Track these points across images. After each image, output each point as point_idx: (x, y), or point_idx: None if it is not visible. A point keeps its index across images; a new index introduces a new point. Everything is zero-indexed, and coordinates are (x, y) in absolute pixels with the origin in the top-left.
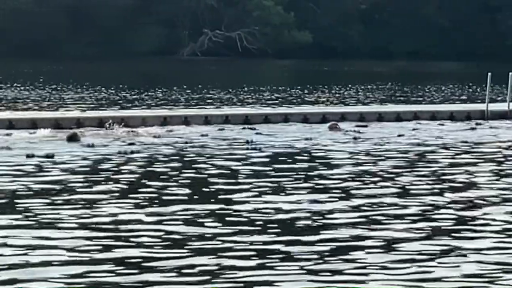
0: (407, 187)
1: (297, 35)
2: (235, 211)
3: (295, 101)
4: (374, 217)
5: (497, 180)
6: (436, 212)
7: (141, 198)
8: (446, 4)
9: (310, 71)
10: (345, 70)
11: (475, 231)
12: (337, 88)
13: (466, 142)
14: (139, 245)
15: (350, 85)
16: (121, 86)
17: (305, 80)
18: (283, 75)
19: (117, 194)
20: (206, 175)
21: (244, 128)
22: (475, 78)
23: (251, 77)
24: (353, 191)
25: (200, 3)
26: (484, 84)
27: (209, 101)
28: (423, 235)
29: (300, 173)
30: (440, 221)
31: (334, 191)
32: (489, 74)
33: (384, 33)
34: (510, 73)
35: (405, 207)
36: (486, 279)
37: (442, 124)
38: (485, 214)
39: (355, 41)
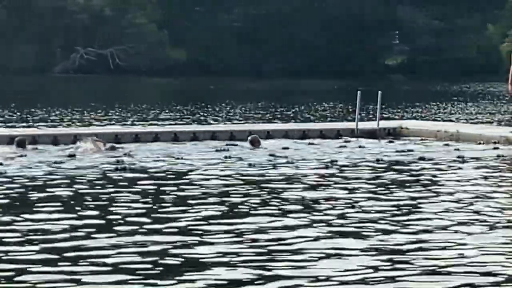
0: (281, 206)
1: (171, 53)
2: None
3: (166, 119)
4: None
5: (376, 198)
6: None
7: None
8: (320, 23)
9: (184, 89)
10: (220, 88)
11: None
12: (209, 106)
13: (335, 161)
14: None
15: (223, 103)
16: None
17: (178, 98)
18: (155, 93)
19: None
20: (79, 196)
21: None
22: (347, 96)
23: (122, 95)
24: (229, 213)
25: (72, 20)
26: (355, 102)
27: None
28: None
29: (171, 193)
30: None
31: (210, 211)
32: (359, 92)
33: (258, 51)
34: (379, 92)
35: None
36: None
37: (312, 143)
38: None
39: (230, 59)
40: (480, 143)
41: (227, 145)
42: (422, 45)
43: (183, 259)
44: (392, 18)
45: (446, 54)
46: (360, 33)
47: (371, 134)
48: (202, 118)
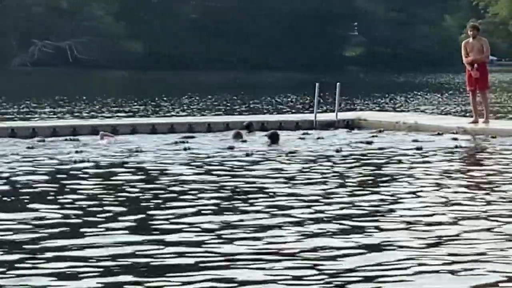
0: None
1: (129, 45)
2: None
3: (124, 112)
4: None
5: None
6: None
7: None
8: (278, 15)
9: (142, 81)
10: (178, 80)
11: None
12: (168, 99)
13: (293, 152)
14: None
15: (181, 96)
16: None
17: (136, 91)
18: (113, 86)
19: None
20: (38, 191)
21: (71, 140)
22: (306, 88)
23: (80, 88)
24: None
25: (29, 13)
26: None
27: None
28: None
29: (125, 186)
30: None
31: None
32: (317, 84)
33: (217, 44)
34: (338, 83)
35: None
36: None
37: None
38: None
39: (189, 51)
40: (438, 134)
41: (184, 137)
42: (381, 37)
43: (159, 260)
44: (350, 9)
45: (404, 45)
46: (319, 25)
47: (330, 125)
48: (160, 110)
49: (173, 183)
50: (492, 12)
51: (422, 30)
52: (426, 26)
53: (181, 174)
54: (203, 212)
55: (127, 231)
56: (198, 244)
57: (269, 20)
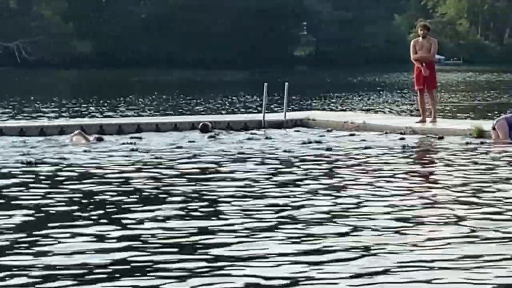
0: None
1: (78, 45)
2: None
3: (72, 112)
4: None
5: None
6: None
7: None
8: (229, 13)
9: (90, 81)
10: (128, 80)
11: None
12: (118, 99)
13: (242, 153)
14: None
15: (129, 96)
16: None
17: (84, 91)
18: (62, 86)
19: None
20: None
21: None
22: (256, 87)
23: (28, 88)
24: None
25: None
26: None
27: None
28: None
29: (75, 189)
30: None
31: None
32: (265, 84)
33: (168, 43)
34: (286, 83)
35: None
36: None
37: (217, 134)
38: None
39: (138, 51)
40: (386, 133)
41: (131, 138)
42: (330, 36)
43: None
44: (300, 8)
45: (353, 44)
46: (268, 24)
47: (278, 125)
48: (108, 110)
49: (126, 185)
50: (440, 11)
51: (371, 29)
52: (375, 25)
53: (133, 176)
54: (164, 216)
55: (86, 238)
56: (163, 252)
57: (221, 19)
